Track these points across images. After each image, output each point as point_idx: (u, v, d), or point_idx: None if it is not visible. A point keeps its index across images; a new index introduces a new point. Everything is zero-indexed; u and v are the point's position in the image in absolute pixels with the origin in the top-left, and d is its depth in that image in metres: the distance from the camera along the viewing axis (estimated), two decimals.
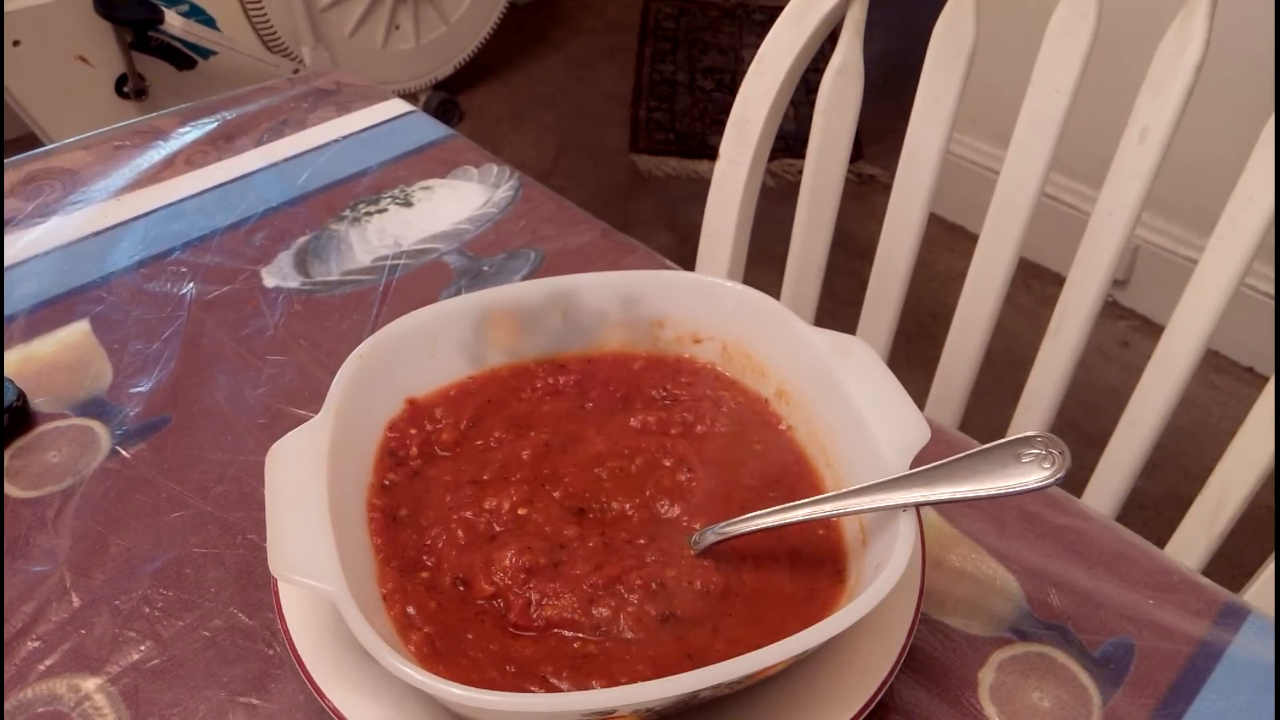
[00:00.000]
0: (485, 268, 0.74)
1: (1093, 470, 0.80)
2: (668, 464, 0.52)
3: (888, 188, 0.86)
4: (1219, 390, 1.70)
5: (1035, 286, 1.84)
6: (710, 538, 0.46)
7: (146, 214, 0.78)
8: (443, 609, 0.44)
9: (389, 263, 0.74)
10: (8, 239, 0.74)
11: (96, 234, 0.75)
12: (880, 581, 0.39)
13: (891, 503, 0.43)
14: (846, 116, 0.83)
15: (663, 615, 0.44)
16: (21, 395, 0.60)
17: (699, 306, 0.56)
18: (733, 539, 0.46)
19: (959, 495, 0.43)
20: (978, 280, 0.83)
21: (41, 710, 0.46)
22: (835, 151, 0.85)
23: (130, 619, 0.50)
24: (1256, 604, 0.53)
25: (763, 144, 0.85)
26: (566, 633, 0.44)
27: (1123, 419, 0.78)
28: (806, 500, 0.45)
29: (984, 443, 0.62)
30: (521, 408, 0.55)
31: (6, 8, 1.69)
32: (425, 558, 0.47)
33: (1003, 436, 0.81)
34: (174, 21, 1.83)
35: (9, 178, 0.81)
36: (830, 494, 0.45)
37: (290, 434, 0.46)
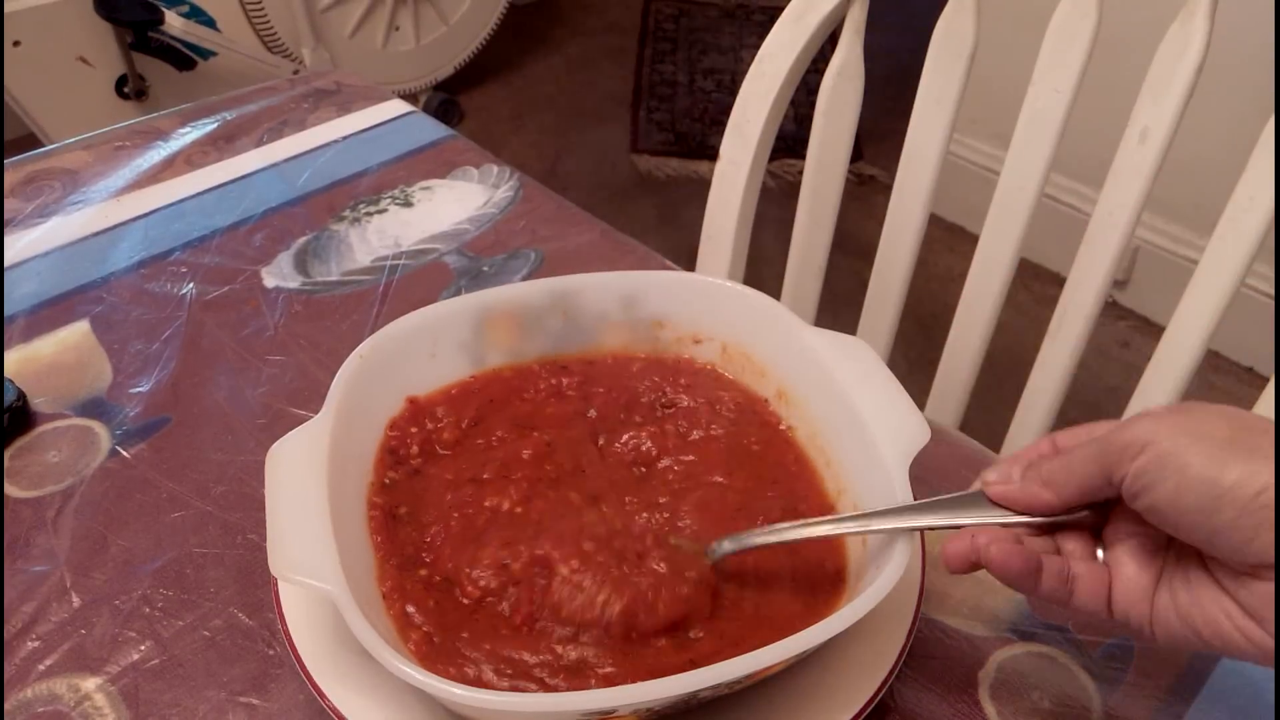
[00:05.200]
0: (485, 268, 0.74)
1: None
2: (668, 464, 0.52)
3: (888, 188, 0.86)
4: (1219, 390, 1.70)
5: (1035, 286, 1.84)
6: (728, 547, 0.46)
7: (147, 214, 0.78)
8: (441, 608, 0.44)
9: (389, 263, 0.74)
10: (8, 239, 0.74)
11: (96, 234, 0.75)
12: (880, 582, 0.39)
13: (914, 525, 0.42)
14: (846, 117, 0.83)
15: (663, 615, 0.44)
16: (21, 395, 0.60)
17: (699, 307, 0.56)
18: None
19: (986, 520, 0.41)
20: (978, 280, 0.83)
21: (41, 710, 0.46)
22: (835, 152, 0.85)
23: (130, 619, 0.50)
24: None
25: (763, 145, 0.85)
26: (567, 632, 0.44)
27: (1124, 419, 0.78)
28: (828, 519, 0.44)
29: (984, 444, 0.62)
30: (524, 408, 0.55)
31: (6, 8, 1.68)
32: (424, 555, 0.47)
33: (1003, 437, 0.81)
34: (174, 22, 1.83)
35: (9, 178, 0.81)
36: (852, 514, 0.45)
37: (290, 434, 0.46)
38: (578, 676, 0.42)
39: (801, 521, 0.44)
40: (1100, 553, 0.41)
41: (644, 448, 0.53)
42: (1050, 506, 0.40)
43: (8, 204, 0.78)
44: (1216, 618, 0.36)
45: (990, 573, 0.40)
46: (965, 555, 0.40)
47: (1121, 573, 0.39)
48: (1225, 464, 0.34)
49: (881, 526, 0.43)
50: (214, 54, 1.94)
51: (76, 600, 0.51)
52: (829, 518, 0.45)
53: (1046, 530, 0.41)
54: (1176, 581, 0.38)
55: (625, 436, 0.54)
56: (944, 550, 0.41)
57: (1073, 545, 0.41)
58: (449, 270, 0.73)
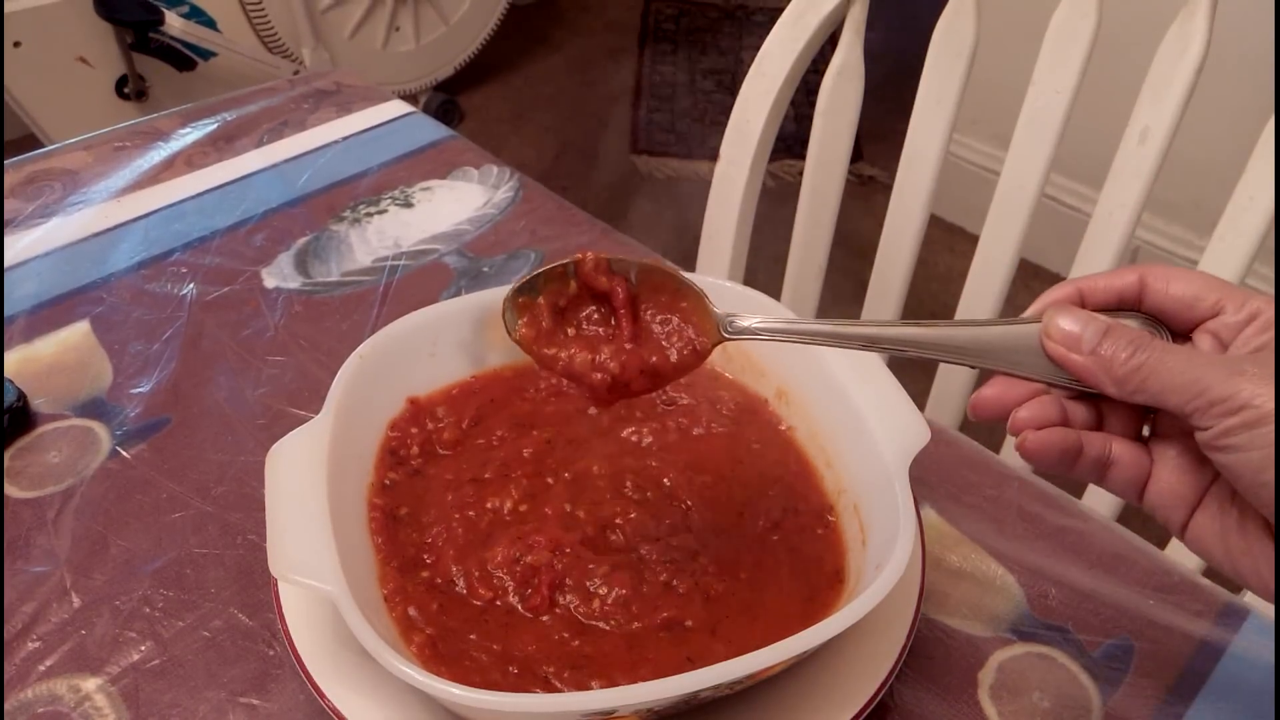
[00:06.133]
0: (485, 268, 0.74)
1: None
2: (668, 462, 0.52)
3: (888, 188, 0.86)
4: None
5: (1035, 286, 1.83)
6: (740, 324, 0.42)
7: (147, 215, 0.78)
8: (444, 610, 0.44)
9: (389, 263, 0.74)
10: (8, 240, 0.74)
11: (97, 235, 0.75)
12: (880, 582, 0.39)
13: (946, 357, 0.38)
14: (846, 117, 0.83)
15: (663, 615, 0.44)
16: (22, 395, 0.60)
17: None
18: (767, 337, 0.42)
19: (1030, 377, 0.38)
20: (978, 280, 0.83)
21: (42, 710, 0.46)
22: (835, 152, 0.85)
23: (130, 619, 0.50)
24: (1256, 604, 0.53)
25: (763, 145, 0.85)
26: (566, 634, 0.44)
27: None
28: (845, 326, 0.40)
29: (984, 444, 0.62)
30: (524, 407, 0.55)
31: (6, 8, 1.68)
32: (425, 556, 0.47)
33: (1003, 437, 0.80)
34: (174, 23, 1.83)
35: (9, 178, 0.81)
36: (886, 324, 0.41)
37: (290, 434, 0.46)
38: (585, 674, 0.42)
39: (815, 321, 0.41)
40: (1147, 430, 0.37)
41: (645, 443, 0.53)
42: (1108, 394, 0.36)
43: (8, 204, 0.78)
44: (1265, 575, 0.35)
45: (1020, 453, 0.37)
46: (996, 410, 0.37)
47: (1164, 469, 0.36)
48: None
49: (925, 340, 0.39)
50: (214, 54, 1.94)
51: (76, 600, 0.51)
52: (848, 326, 0.40)
53: (1091, 395, 0.37)
54: (1230, 521, 0.35)
55: (626, 432, 0.54)
56: (977, 394, 0.38)
57: (1118, 417, 0.37)
58: (449, 270, 0.73)
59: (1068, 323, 0.37)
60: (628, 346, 0.43)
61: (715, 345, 0.43)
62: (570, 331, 0.44)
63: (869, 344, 0.40)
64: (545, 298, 0.44)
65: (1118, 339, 0.36)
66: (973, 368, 0.39)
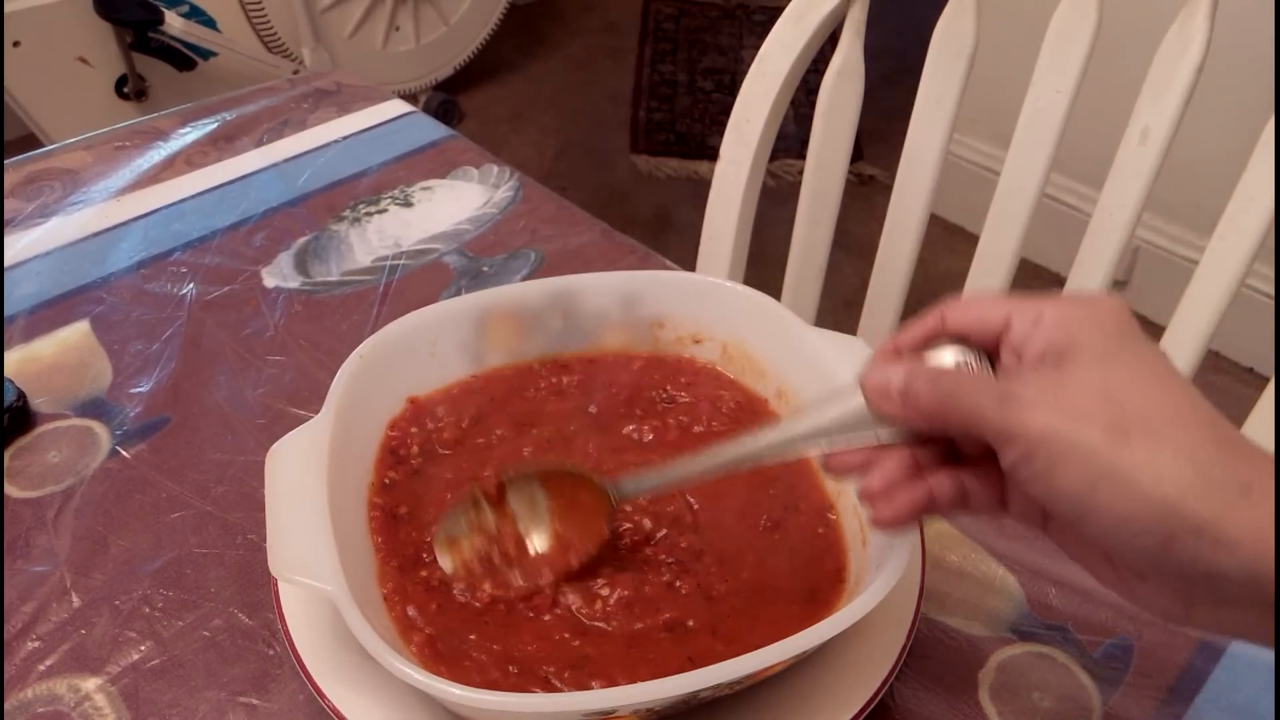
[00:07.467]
0: (485, 268, 0.74)
1: None
2: (669, 459, 0.52)
3: (888, 188, 0.86)
4: (1219, 390, 1.70)
5: (1035, 286, 1.84)
6: (629, 488, 0.45)
7: (147, 214, 0.78)
8: (444, 610, 0.44)
9: (389, 263, 0.74)
10: (8, 239, 0.74)
11: (97, 234, 0.75)
12: (880, 581, 0.39)
13: (799, 445, 0.40)
14: (846, 117, 0.83)
15: (665, 616, 0.45)
16: (22, 395, 0.60)
17: (699, 307, 0.56)
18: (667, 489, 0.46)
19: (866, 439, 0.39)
20: (978, 280, 0.83)
21: (41, 710, 0.46)
22: (835, 152, 0.85)
23: (130, 619, 0.50)
24: None
25: (763, 145, 0.85)
26: (566, 634, 0.44)
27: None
28: (712, 453, 0.42)
29: None
30: (525, 406, 0.55)
31: (6, 8, 1.68)
32: (425, 555, 0.47)
33: None
34: (174, 22, 1.83)
35: (9, 178, 0.81)
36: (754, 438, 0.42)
37: (290, 434, 0.46)
38: (585, 674, 0.42)
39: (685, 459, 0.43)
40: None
41: (645, 440, 0.53)
42: (932, 433, 0.36)
43: (8, 204, 0.78)
44: (1107, 578, 0.34)
45: (875, 527, 0.37)
46: (851, 471, 0.38)
47: (1015, 490, 0.35)
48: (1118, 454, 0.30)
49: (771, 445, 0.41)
50: (214, 54, 1.94)
51: (76, 600, 0.51)
52: (713, 451, 0.43)
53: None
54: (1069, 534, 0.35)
55: (627, 429, 0.54)
56: (831, 459, 0.39)
57: (970, 444, 0.36)
58: (449, 270, 0.73)
59: (875, 375, 0.37)
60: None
61: (612, 511, 0.46)
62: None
63: (730, 466, 0.42)
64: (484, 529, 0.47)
65: (918, 375, 0.35)
66: (825, 449, 0.40)
